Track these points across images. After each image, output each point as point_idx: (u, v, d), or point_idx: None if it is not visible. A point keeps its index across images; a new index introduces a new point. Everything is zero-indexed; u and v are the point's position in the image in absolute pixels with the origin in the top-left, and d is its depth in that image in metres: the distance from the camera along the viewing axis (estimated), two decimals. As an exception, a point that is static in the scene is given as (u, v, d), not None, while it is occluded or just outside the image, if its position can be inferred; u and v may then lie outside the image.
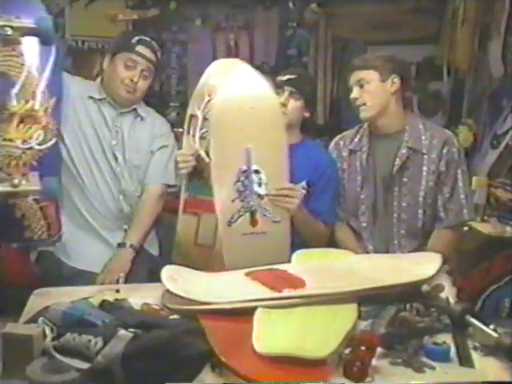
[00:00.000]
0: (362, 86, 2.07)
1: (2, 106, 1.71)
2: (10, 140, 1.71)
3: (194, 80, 3.50)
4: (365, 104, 2.07)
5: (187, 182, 2.01)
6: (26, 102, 1.72)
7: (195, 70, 3.53)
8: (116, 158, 2.19)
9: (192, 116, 1.97)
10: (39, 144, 1.74)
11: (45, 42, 1.76)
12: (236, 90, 1.91)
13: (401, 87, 2.09)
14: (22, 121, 1.72)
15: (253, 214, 1.94)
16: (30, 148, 1.73)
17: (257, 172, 1.92)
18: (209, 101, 1.91)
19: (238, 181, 1.91)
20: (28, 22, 1.70)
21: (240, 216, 1.93)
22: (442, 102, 3.39)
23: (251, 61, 3.52)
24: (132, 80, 2.12)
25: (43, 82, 1.76)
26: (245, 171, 1.91)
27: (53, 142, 1.80)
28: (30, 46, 1.74)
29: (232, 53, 3.52)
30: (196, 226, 2.00)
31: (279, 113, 1.97)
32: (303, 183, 2.10)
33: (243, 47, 3.52)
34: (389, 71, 2.06)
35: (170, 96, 3.60)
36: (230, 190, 1.91)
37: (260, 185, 1.93)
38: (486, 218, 2.67)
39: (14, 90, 1.71)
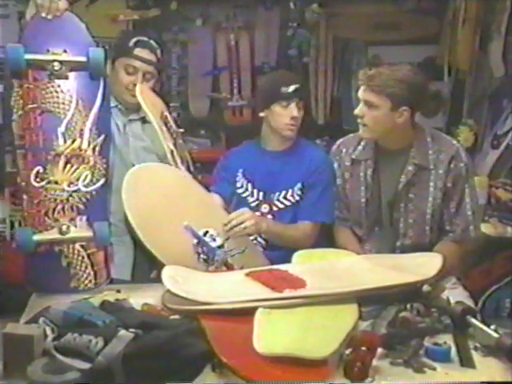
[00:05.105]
0: (369, 107, 1.92)
1: (48, 146, 1.60)
2: (56, 183, 1.61)
3: (194, 80, 3.56)
4: (367, 125, 1.95)
5: None
6: (73, 140, 1.62)
7: (196, 70, 3.53)
8: (133, 165, 2.08)
9: None
10: (86, 186, 1.64)
11: (94, 75, 1.66)
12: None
13: (411, 113, 1.94)
14: (68, 161, 1.62)
15: (226, 264, 1.95)
16: (77, 190, 1.63)
17: (205, 234, 1.92)
18: None
19: (199, 254, 1.91)
20: (77, 55, 1.61)
21: None
22: (443, 102, 3.38)
23: (252, 61, 3.52)
24: (135, 85, 2.07)
25: (91, 118, 1.65)
26: (198, 243, 1.90)
27: (101, 182, 1.68)
28: (76, 81, 1.63)
29: (232, 53, 3.52)
30: None
31: (188, 179, 2.01)
32: (298, 186, 2.09)
33: (244, 47, 3.51)
34: (402, 102, 1.90)
35: (170, 96, 3.57)
36: (199, 267, 1.89)
37: (214, 239, 1.93)
38: (486, 218, 2.68)
39: (61, 129, 1.61)
